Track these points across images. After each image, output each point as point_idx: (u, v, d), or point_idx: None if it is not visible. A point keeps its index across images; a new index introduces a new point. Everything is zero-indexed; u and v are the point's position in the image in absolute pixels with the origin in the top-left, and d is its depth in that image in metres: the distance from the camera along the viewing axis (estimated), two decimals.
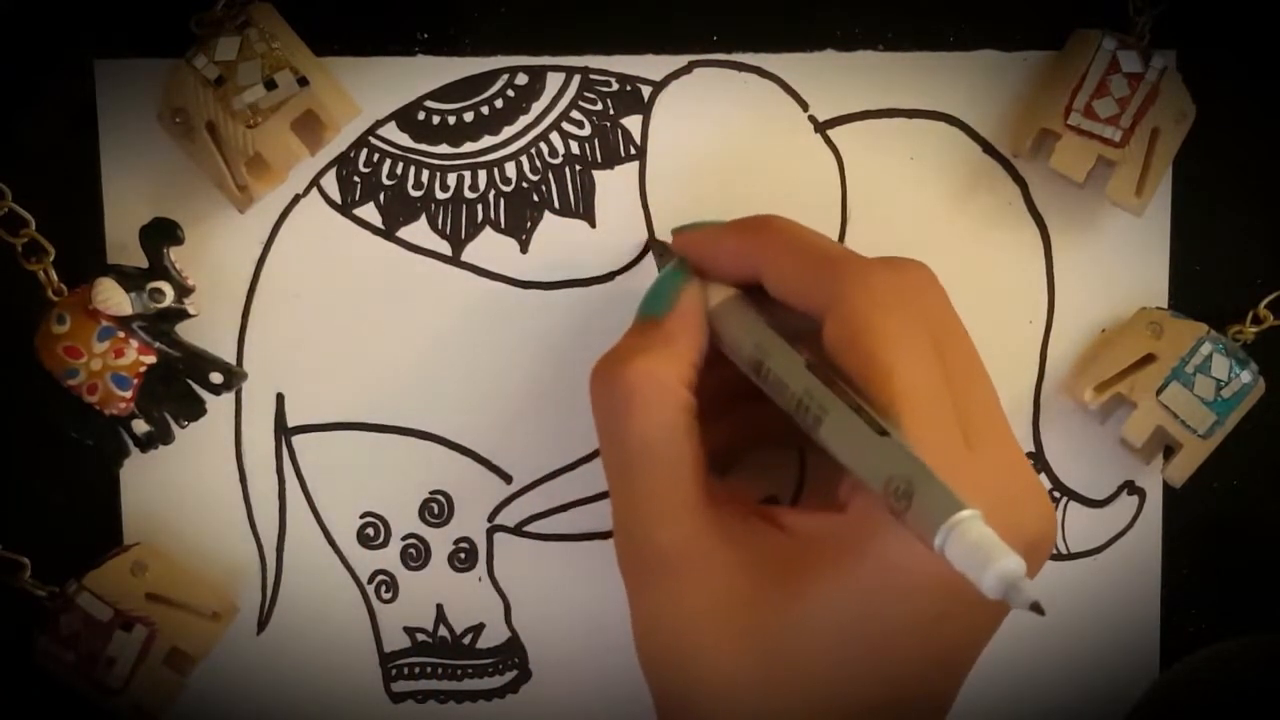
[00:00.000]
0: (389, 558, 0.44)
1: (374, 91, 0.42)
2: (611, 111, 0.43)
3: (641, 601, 0.36)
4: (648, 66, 0.42)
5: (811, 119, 0.43)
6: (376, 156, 0.42)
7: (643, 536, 0.35)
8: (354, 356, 0.43)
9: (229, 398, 0.43)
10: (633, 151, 0.43)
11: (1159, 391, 0.42)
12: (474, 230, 0.43)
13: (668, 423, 0.35)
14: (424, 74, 0.42)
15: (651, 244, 0.43)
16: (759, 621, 0.34)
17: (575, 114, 0.42)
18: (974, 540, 0.29)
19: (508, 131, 0.42)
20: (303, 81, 0.39)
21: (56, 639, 0.41)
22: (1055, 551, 0.45)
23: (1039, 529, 0.35)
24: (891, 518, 0.31)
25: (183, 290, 0.41)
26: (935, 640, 0.34)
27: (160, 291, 0.40)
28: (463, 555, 0.44)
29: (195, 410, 0.42)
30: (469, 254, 0.43)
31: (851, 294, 0.34)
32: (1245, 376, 0.43)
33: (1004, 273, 0.44)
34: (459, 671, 0.44)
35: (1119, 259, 0.44)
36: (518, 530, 0.44)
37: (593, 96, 0.42)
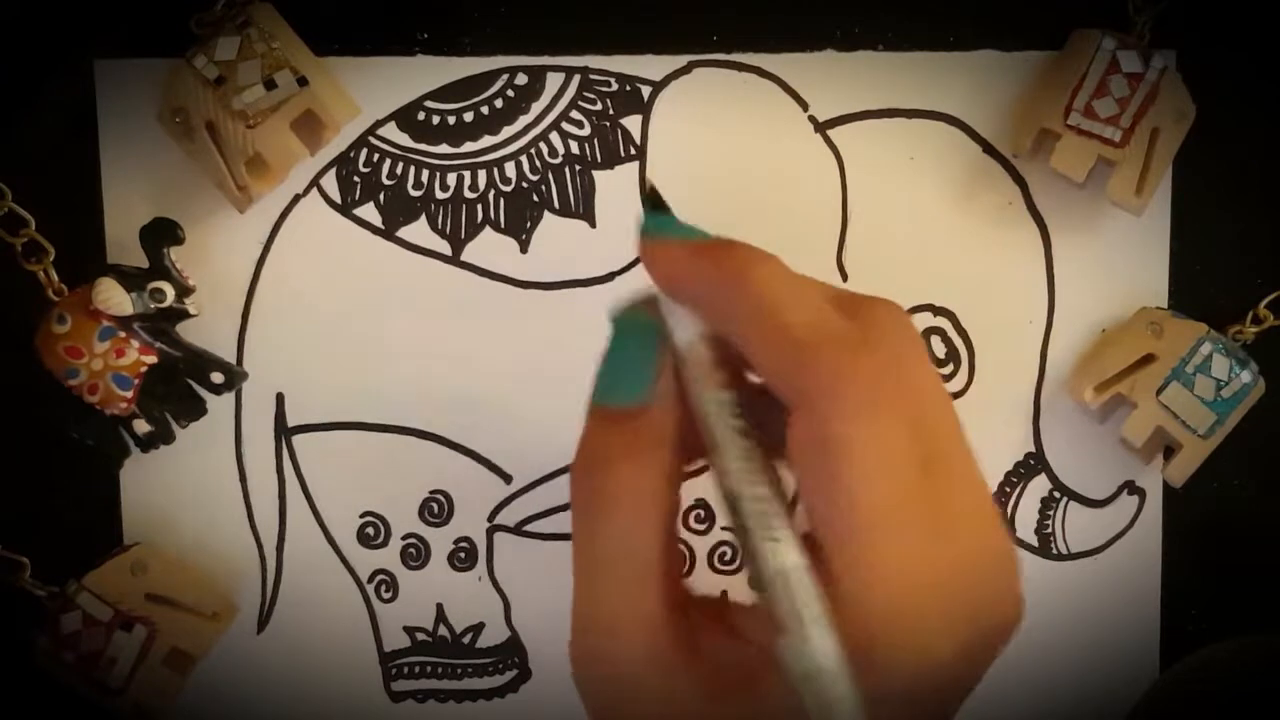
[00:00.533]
0: (389, 557, 0.44)
1: (374, 91, 0.42)
2: (611, 111, 0.43)
3: (601, 702, 0.34)
4: (648, 66, 0.42)
5: (811, 119, 0.43)
6: (376, 156, 0.42)
7: (598, 641, 0.33)
8: (354, 356, 0.43)
9: (229, 398, 0.43)
10: (633, 151, 0.43)
11: (1159, 391, 0.42)
12: (474, 230, 0.43)
13: (646, 532, 0.33)
14: (424, 74, 0.42)
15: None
16: None
17: (575, 114, 0.42)
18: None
19: (507, 131, 0.42)
20: (302, 81, 0.39)
21: (56, 639, 0.41)
22: (1056, 551, 0.45)
23: (1002, 622, 0.33)
24: None
25: (183, 290, 0.41)
26: None
27: (161, 291, 0.40)
28: (463, 555, 0.44)
29: (195, 410, 0.42)
30: (469, 254, 0.43)
31: (819, 402, 0.31)
32: (1245, 376, 0.43)
33: (1004, 273, 0.44)
34: (459, 671, 0.44)
35: (1119, 259, 0.44)
36: (518, 530, 0.44)
37: (592, 96, 0.42)
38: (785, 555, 0.31)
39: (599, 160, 0.43)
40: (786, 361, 0.31)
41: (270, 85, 0.39)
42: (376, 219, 0.43)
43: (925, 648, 0.31)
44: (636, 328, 0.34)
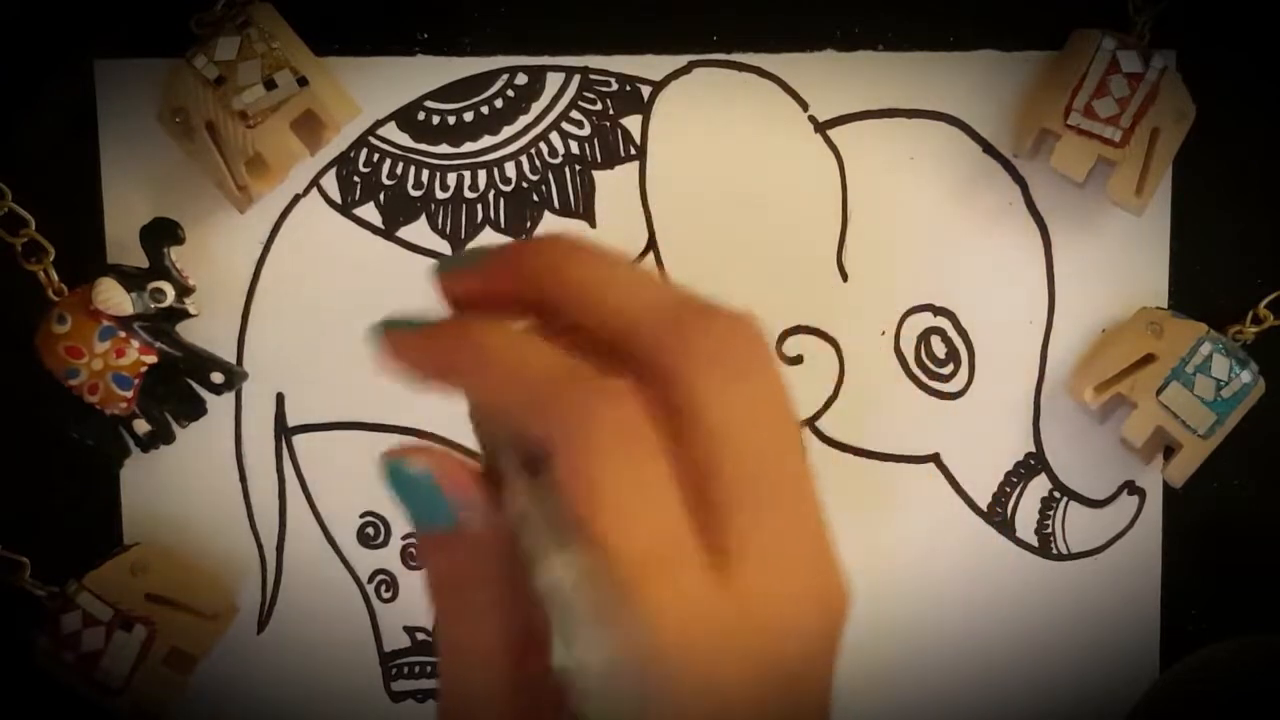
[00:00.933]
0: (389, 557, 0.44)
1: (374, 91, 0.42)
2: (611, 111, 0.43)
3: None
4: (648, 66, 0.42)
5: (811, 119, 0.43)
6: (376, 156, 0.42)
7: None
8: (354, 356, 0.43)
9: (229, 398, 0.43)
10: (633, 151, 0.43)
11: (1159, 391, 0.42)
12: (474, 230, 0.43)
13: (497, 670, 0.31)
14: (424, 74, 0.42)
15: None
16: None
17: (575, 114, 0.42)
18: None
19: (507, 131, 0.42)
20: (302, 81, 0.39)
21: (56, 639, 0.41)
22: (1056, 551, 0.45)
23: (816, 629, 0.30)
24: None
25: (183, 290, 0.41)
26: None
27: (161, 291, 0.40)
28: None
29: (195, 410, 0.42)
30: None
31: (565, 442, 0.29)
32: (1245, 376, 0.43)
33: (1004, 272, 0.44)
34: None
35: (1119, 259, 0.44)
36: None
37: (592, 96, 0.42)
38: (555, 569, 0.29)
39: (599, 160, 0.43)
40: (528, 413, 0.30)
41: (270, 85, 0.39)
42: (376, 219, 0.43)
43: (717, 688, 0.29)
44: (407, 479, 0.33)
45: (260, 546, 0.44)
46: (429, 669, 0.44)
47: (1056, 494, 0.45)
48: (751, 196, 0.43)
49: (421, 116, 0.42)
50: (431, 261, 0.42)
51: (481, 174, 0.42)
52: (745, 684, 0.30)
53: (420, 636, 0.44)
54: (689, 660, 0.29)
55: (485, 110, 0.42)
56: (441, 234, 0.43)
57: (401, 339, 0.32)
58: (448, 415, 0.43)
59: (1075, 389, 0.44)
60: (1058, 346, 0.44)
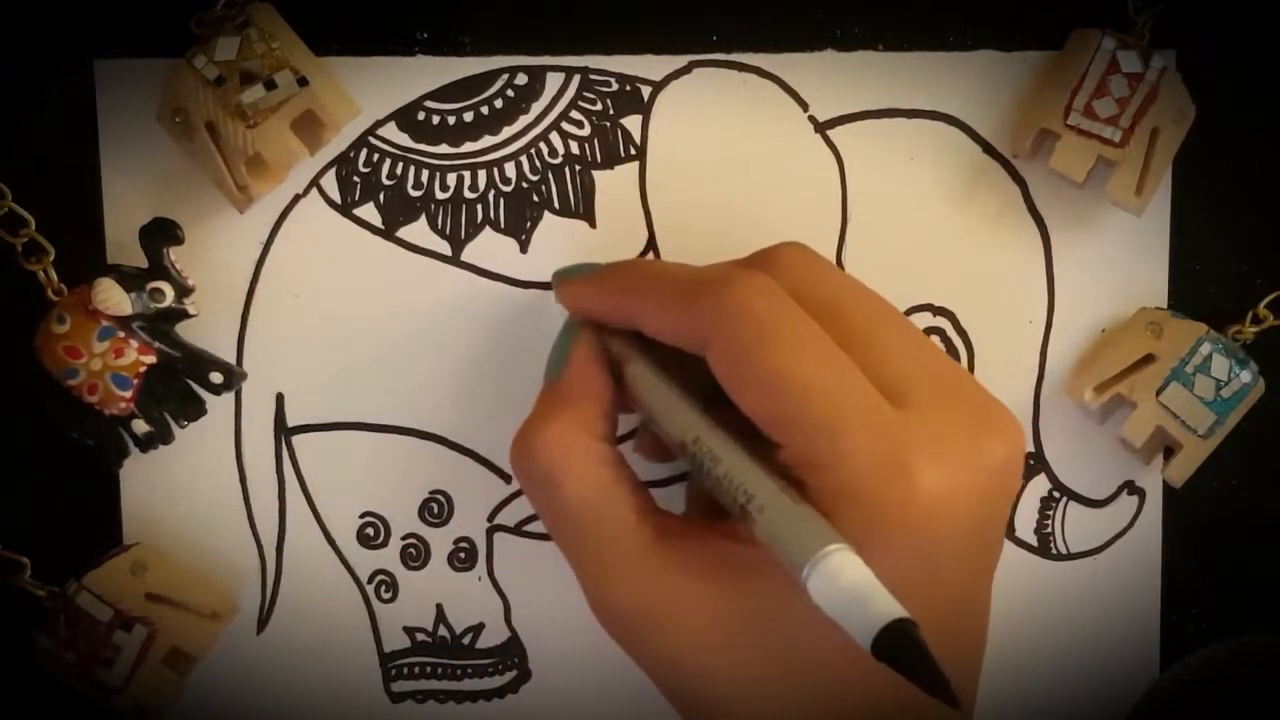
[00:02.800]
0: (389, 558, 0.44)
1: (374, 91, 0.42)
2: (611, 111, 0.43)
3: (638, 654, 0.35)
4: (648, 66, 0.42)
5: (811, 119, 0.43)
6: (376, 156, 0.42)
7: (606, 600, 0.35)
8: (354, 356, 0.43)
9: (229, 398, 0.43)
10: (632, 151, 0.43)
11: (1159, 391, 0.42)
12: (474, 230, 0.43)
13: (590, 484, 0.35)
14: (424, 74, 0.42)
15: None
16: (757, 635, 0.33)
17: (575, 114, 0.42)
18: (844, 586, 0.29)
19: (507, 131, 0.42)
20: (303, 81, 0.39)
21: (56, 639, 0.41)
22: (1055, 551, 0.45)
23: (1001, 456, 0.34)
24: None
25: (183, 290, 0.41)
26: None
27: (160, 291, 0.40)
28: (463, 555, 0.44)
29: (195, 410, 0.42)
30: (469, 254, 0.43)
31: (716, 322, 0.34)
32: (1245, 376, 0.43)
33: (1004, 273, 0.44)
34: (459, 671, 0.44)
35: (1119, 259, 0.44)
36: (518, 530, 0.44)
37: (592, 96, 0.42)
38: (733, 462, 0.33)
39: (599, 160, 0.43)
40: (681, 313, 0.35)
41: (270, 85, 0.39)
42: (376, 219, 0.43)
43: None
44: (566, 327, 0.39)
45: (260, 546, 0.44)
46: (429, 669, 0.44)
47: (1056, 494, 0.45)
48: (751, 197, 0.43)
49: (421, 116, 0.42)
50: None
51: (481, 174, 0.42)
52: (940, 494, 0.32)
53: (420, 637, 0.44)
54: (883, 475, 0.31)
55: (485, 110, 0.42)
56: (441, 234, 0.43)
57: (573, 285, 0.39)
58: (448, 416, 0.43)
59: (1074, 390, 0.44)
60: (1057, 346, 0.44)
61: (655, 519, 0.35)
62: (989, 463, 0.33)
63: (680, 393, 0.35)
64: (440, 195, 0.42)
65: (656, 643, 0.34)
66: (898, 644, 0.27)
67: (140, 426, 0.41)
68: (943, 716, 0.32)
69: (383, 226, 0.43)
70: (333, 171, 0.42)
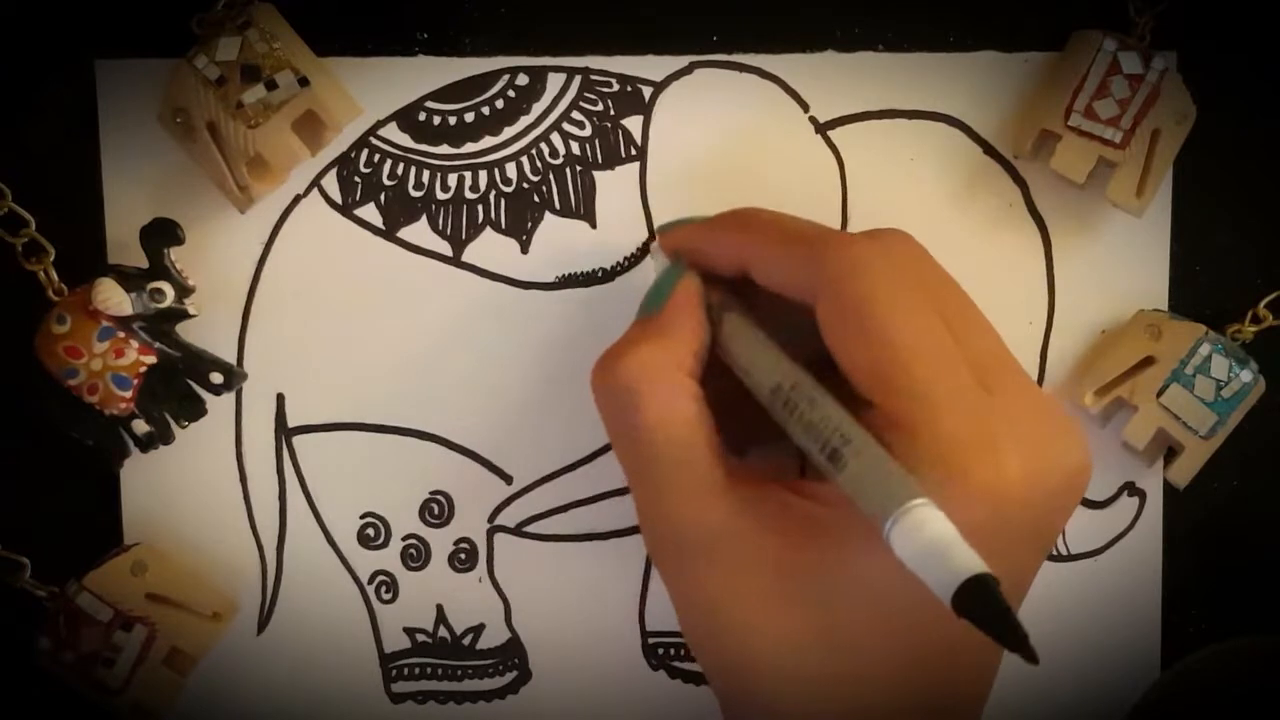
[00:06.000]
0: (389, 558, 0.44)
1: (374, 91, 0.42)
2: (612, 112, 0.43)
3: (682, 587, 0.36)
4: (648, 67, 0.42)
5: (812, 120, 0.43)
6: (377, 157, 0.42)
7: (671, 525, 0.35)
8: (354, 356, 0.43)
9: (229, 398, 0.43)
10: (633, 152, 0.43)
11: (1159, 394, 0.42)
12: (475, 231, 0.43)
13: (674, 410, 0.35)
14: (424, 74, 0.42)
15: (651, 244, 0.42)
16: (803, 588, 0.33)
17: (576, 114, 0.42)
18: (929, 537, 0.29)
19: (508, 132, 0.42)
20: (304, 82, 0.39)
21: (56, 639, 0.41)
22: (1055, 552, 0.45)
23: (1075, 461, 0.34)
24: None
25: (183, 290, 0.41)
26: None
27: (160, 291, 0.40)
28: (463, 556, 0.44)
29: (195, 410, 0.42)
30: (469, 254, 0.43)
31: (835, 272, 0.34)
32: (1245, 376, 0.43)
33: (1004, 273, 0.44)
34: (459, 672, 0.44)
35: (1119, 260, 0.44)
36: (518, 531, 0.44)
37: (593, 97, 0.42)
38: (830, 406, 0.33)
39: (600, 161, 0.43)
40: (799, 257, 0.35)
41: (271, 85, 0.39)
42: (377, 219, 0.43)
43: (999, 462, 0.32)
44: (670, 270, 0.39)
45: (260, 546, 0.44)
46: (429, 670, 0.44)
47: None
48: (751, 197, 0.43)
49: (422, 117, 0.42)
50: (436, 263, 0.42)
51: (482, 174, 0.42)
52: (1022, 481, 0.32)
53: (420, 638, 0.44)
54: (973, 452, 0.32)
55: (486, 111, 0.42)
56: (442, 235, 0.43)
57: (680, 232, 0.39)
58: (448, 416, 0.43)
59: (1075, 394, 0.44)
60: (1057, 347, 0.44)
61: (730, 461, 0.36)
62: (1067, 463, 0.34)
63: (774, 343, 0.36)
64: (441, 196, 0.42)
65: (708, 581, 0.34)
66: (979, 598, 0.28)
67: (140, 426, 0.41)
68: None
69: (384, 227, 0.43)
70: (334, 172, 0.42)
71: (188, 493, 0.43)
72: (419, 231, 0.43)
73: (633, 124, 0.43)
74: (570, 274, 0.43)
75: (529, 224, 0.43)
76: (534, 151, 0.42)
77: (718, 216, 0.39)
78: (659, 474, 0.35)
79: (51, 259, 0.41)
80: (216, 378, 0.41)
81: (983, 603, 0.28)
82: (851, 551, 0.32)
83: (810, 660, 0.34)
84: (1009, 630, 0.27)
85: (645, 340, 0.36)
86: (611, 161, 0.43)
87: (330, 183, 0.42)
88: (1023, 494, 0.32)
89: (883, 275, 0.34)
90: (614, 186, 0.43)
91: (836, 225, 0.43)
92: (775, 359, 0.35)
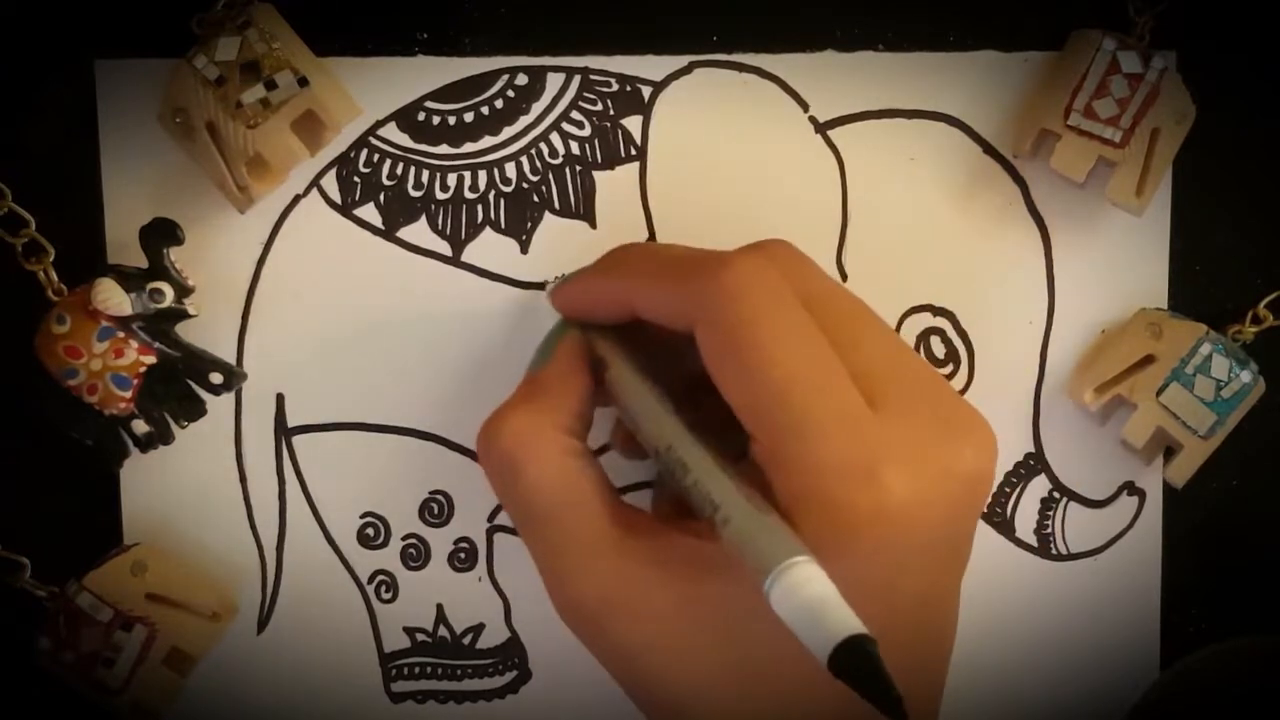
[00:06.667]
0: (389, 558, 0.44)
1: (374, 91, 0.42)
2: (612, 112, 0.43)
3: (597, 645, 0.35)
4: (648, 67, 0.42)
5: (812, 119, 0.43)
6: (376, 157, 0.42)
7: (570, 589, 0.35)
8: (354, 356, 0.43)
9: (229, 398, 0.43)
10: (633, 152, 0.43)
11: (1159, 392, 0.42)
12: (474, 231, 0.43)
13: (553, 472, 0.35)
14: (424, 74, 0.42)
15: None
16: (707, 628, 0.33)
17: (575, 114, 0.42)
18: (804, 598, 0.29)
19: (508, 132, 0.42)
20: (303, 82, 0.39)
21: (56, 639, 0.41)
22: (1055, 552, 0.45)
23: (971, 466, 0.34)
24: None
25: (183, 290, 0.41)
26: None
27: (160, 291, 0.40)
28: (463, 555, 0.44)
29: (195, 410, 0.42)
30: (469, 254, 0.43)
31: (711, 300, 0.34)
32: (1245, 376, 0.43)
33: (1004, 273, 0.44)
34: (459, 672, 0.44)
35: (1119, 259, 0.44)
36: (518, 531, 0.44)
37: (593, 97, 0.42)
38: (702, 471, 0.33)
39: (599, 161, 0.43)
40: (674, 288, 0.35)
41: (271, 85, 0.39)
42: (377, 219, 0.43)
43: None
44: (555, 328, 0.39)
45: (260, 546, 0.44)
46: (429, 669, 0.44)
47: (1056, 494, 0.45)
48: (751, 197, 0.43)
49: (422, 117, 0.42)
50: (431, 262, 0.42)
51: (482, 174, 0.42)
52: (909, 501, 0.32)
53: (420, 637, 0.44)
54: (852, 480, 0.31)
55: (485, 111, 0.42)
56: (442, 234, 0.43)
57: (563, 289, 0.39)
58: (448, 416, 0.43)
59: (1074, 391, 0.44)
60: (1057, 347, 0.44)
61: (620, 512, 0.35)
62: (961, 470, 0.33)
63: (658, 398, 0.36)
64: (441, 195, 0.42)
65: (616, 635, 0.34)
66: (854, 660, 0.27)
67: (140, 426, 0.41)
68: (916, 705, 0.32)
69: (383, 227, 0.43)
70: (333, 172, 0.42)
71: (188, 493, 0.43)
72: (418, 231, 0.43)
73: (632, 124, 0.43)
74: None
75: (529, 224, 0.43)
76: (533, 151, 0.42)
77: (598, 261, 0.39)
78: (547, 536, 0.35)
79: (51, 259, 0.41)
80: (216, 378, 0.41)
81: (858, 664, 0.27)
82: (748, 589, 0.31)
83: (729, 695, 0.33)
84: (881, 693, 0.27)
85: (521, 405, 0.36)
86: (611, 161, 0.43)
87: (330, 183, 0.42)
88: (914, 513, 0.32)
89: (757, 301, 0.33)
90: (614, 186, 0.43)
91: (837, 225, 0.43)
92: (656, 418, 0.35)
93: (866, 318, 0.36)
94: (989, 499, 0.35)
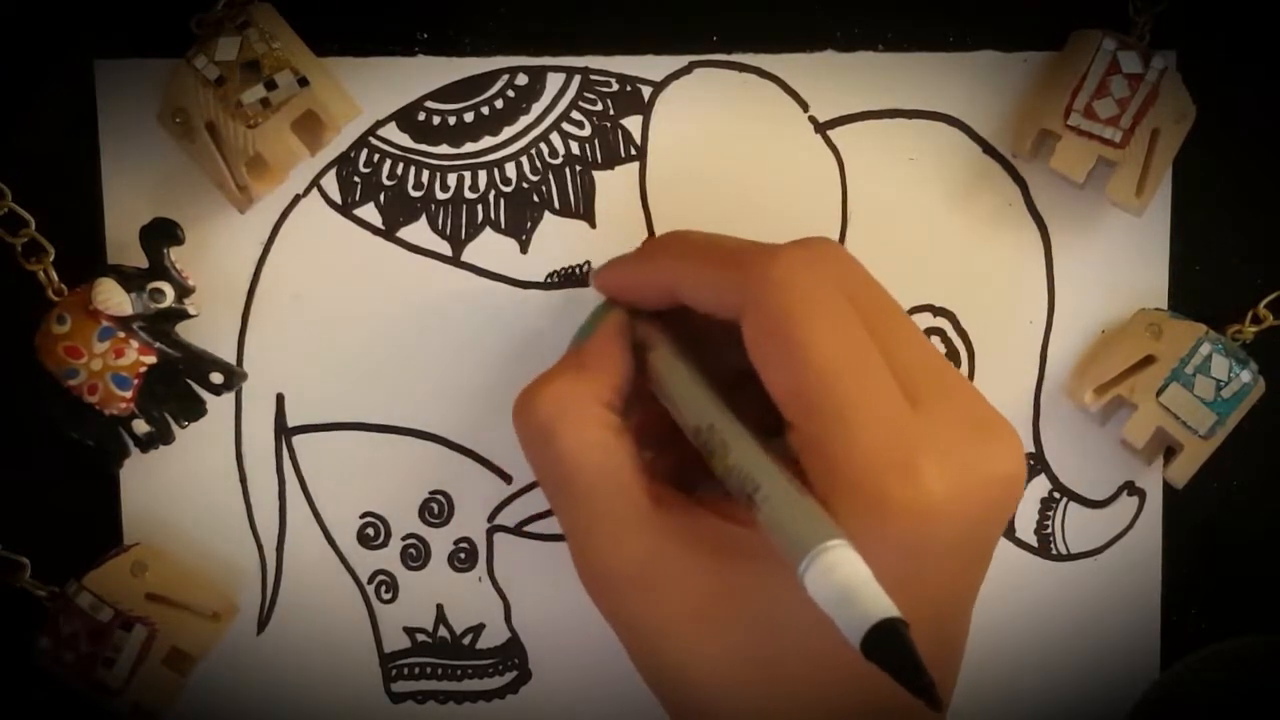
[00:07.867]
0: (389, 558, 0.44)
1: (374, 91, 0.42)
2: (611, 112, 0.43)
3: (619, 619, 0.35)
4: (648, 67, 0.42)
5: (812, 119, 0.43)
6: (377, 157, 0.42)
7: (600, 557, 0.35)
8: (354, 356, 0.43)
9: (229, 398, 0.43)
10: (633, 152, 0.43)
11: (1159, 393, 0.42)
12: (474, 230, 0.43)
13: (589, 440, 0.35)
14: (424, 74, 0.42)
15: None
16: (734, 612, 0.33)
17: (575, 114, 0.42)
18: (840, 580, 0.29)
19: (508, 132, 0.42)
20: (303, 82, 0.39)
21: (56, 639, 0.41)
22: (1055, 552, 0.45)
23: (1005, 470, 0.34)
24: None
25: (183, 290, 0.41)
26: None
27: (160, 291, 0.40)
28: (463, 555, 0.44)
29: (195, 410, 0.42)
30: (469, 254, 0.43)
31: (758, 289, 0.34)
32: (1245, 376, 0.43)
33: (1004, 273, 0.44)
34: (459, 672, 0.44)
35: (1119, 259, 0.44)
36: (518, 530, 0.44)
37: (593, 97, 0.42)
38: (744, 450, 0.33)
39: (599, 161, 0.43)
40: (723, 275, 0.35)
41: (271, 85, 0.39)
42: (377, 219, 0.43)
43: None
44: (598, 308, 0.40)
45: (260, 546, 0.44)
46: (429, 670, 0.44)
47: (1056, 494, 0.45)
48: (751, 197, 0.43)
49: (422, 117, 0.42)
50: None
51: (482, 174, 0.42)
52: (945, 497, 0.32)
53: (420, 637, 0.44)
54: (890, 472, 0.32)
55: (486, 111, 0.42)
56: (442, 234, 0.43)
57: (607, 272, 0.39)
58: (448, 416, 0.43)
59: (1074, 392, 0.44)
60: (1057, 347, 0.44)
61: (656, 488, 0.35)
62: (996, 472, 0.34)
63: (700, 380, 0.36)
64: (441, 195, 0.42)
65: (642, 610, 0.34)
66: (887, 643, 0.28)
67: (140, 426, 0.41)
68: (919, 718, 0.32)
69: (383, 227, 0.43)
70: (333, 172, 0.42)
71: (188, 493, 0.43)
72: (418, 231, 0.43)
73: (632, 124, 0.43)
74: (570, 274, 0.43)
75: (528, 224, 0.43)
76: (533, 151, 0.42)
77: (644, 245, 0.39)
78: (580, 505, 0.35)
79: (51, 259, 0.41)
80: (216, 378, 0.41)
81: (891, 647, 0.28)
82: (778, 576, 0.32)
83: (748, 683, 0.33)
84: (914, 676, 0.27)
85: (562, 375, 0.36)
86: (611, 161, 0.43)
87: (330, 183, 0.42)
88: (948, 510, 0.32)
89: (805, 291, 0.34)
90: (613, 186, 0.43)
91: (837, 225, 0.43)
92: (697, 398, 0.35)
93: (905, 319, 0.36)
94: (1019, 505, 0.35)
